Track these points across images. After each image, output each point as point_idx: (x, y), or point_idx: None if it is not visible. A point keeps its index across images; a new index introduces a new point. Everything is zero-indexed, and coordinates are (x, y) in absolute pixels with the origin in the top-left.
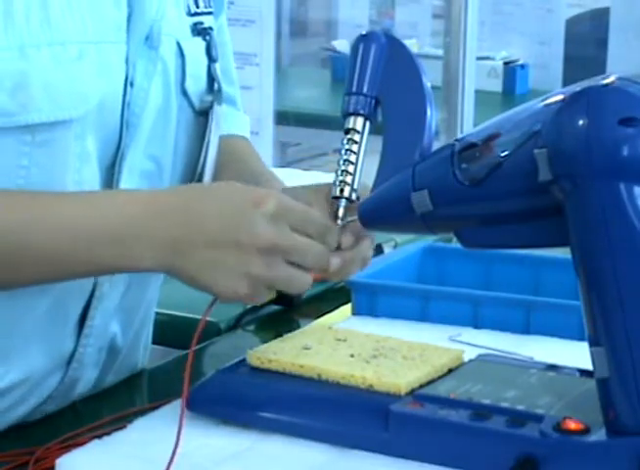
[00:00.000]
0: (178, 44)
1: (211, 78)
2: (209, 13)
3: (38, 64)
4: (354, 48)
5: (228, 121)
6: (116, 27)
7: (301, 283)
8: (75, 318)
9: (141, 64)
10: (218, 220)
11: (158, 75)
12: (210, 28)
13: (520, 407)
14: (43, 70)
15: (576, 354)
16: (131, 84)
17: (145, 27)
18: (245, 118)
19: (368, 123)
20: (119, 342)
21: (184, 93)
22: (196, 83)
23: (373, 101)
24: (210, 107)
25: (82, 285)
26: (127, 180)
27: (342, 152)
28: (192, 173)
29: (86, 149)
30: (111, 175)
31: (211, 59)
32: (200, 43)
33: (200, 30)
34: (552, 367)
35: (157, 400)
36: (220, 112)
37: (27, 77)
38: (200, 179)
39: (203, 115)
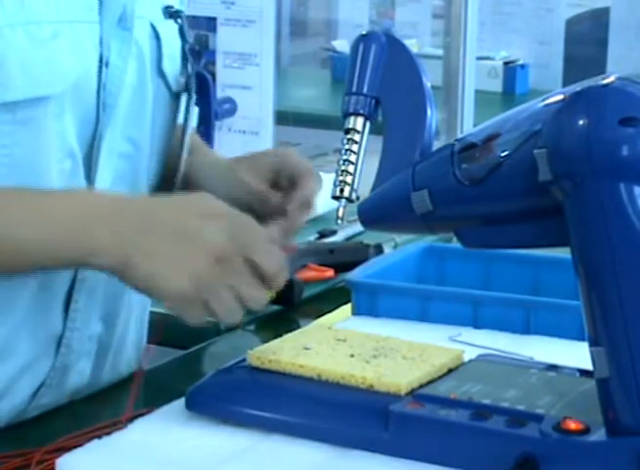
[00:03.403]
0: (153, 26)
1: (185, 59)
2: None
3: (14, 43)
4: (354, 48)
5: None
6: (88, 7)
7: (253, 300)
8: (61, 300)
9: (115, 44)
10: (173, 221)
11: (132, 57)
12: (181, 11)
13: (520, 407)
14: (19, 50)
15: (576, 354)
16: (106, 65)
17: (118, 8)
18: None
19: (368, 123)
20: (107, 332)
21: (161, 74)
22: (172, 64)
23: (373, 101)
24: (185, 88)
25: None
26: (106, 162)
27: (342, 152)
28: (168, 155)
29: (65, 129)
30: (90, 156)
31: (184, 40)
32: (173, 25)
33: (171, 13)
34: (552, 367)
35: (156, 400)
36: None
37: (4, 56)
38: (177, 163)
39: (178, 97)
